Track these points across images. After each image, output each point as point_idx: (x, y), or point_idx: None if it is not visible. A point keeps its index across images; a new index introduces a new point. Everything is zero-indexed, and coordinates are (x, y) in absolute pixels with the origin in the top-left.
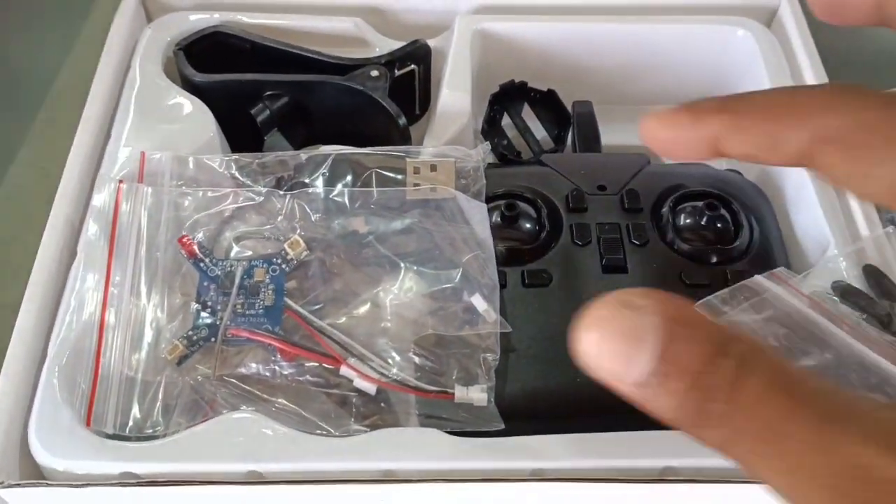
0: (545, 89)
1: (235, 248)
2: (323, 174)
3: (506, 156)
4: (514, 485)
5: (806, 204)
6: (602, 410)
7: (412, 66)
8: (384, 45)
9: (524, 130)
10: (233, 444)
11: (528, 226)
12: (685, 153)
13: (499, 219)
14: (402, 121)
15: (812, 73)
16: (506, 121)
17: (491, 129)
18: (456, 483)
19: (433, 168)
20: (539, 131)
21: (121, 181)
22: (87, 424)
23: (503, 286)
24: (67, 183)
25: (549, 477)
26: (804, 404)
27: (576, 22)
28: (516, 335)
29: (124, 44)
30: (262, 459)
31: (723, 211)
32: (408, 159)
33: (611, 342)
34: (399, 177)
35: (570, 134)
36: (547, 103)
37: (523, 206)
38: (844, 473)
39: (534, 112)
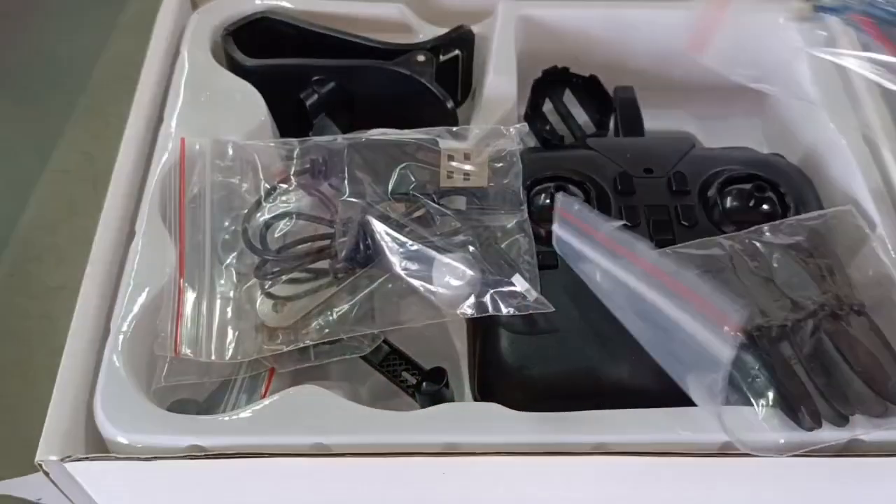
0: (587, 75)
1: None
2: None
3: (549, 140)
4: (576, 458)
5: (852, 187)
6: (648, 392)
7: (456, 51)
8: (427, 31)
9: (566, 116)
10: (298, 418)
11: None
12: None
13: (549, 201)
14: (451, 104)
15: (854, 58)
16: (548, 106)
17: (534, 114)
18: (517, 456)
19: (467, 156)
20: (581, 116)
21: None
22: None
23: (555, 266)
24: (122, 165)
25: (611, 451)
26: None
27: (617, 8)
28: (567, 315)
29: (171, 30)
30: (328, 432)
31: (769, 193)
32: (443, 148)
33: None
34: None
35: (612, 119)
36: (589, 89)
37: (572, 188)
38: None
39: (576, 98)
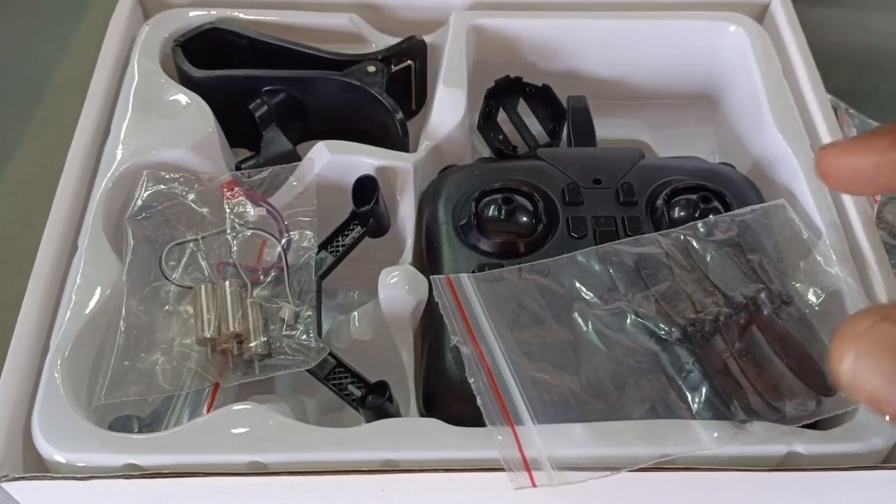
0: (540, 84)
1: None
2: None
3: (502, 150)
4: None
5: (798, 196)
6: (600, 401)
7: (408, 61)
8: (380, 41)
9: (519, 125)
10: (235, 436)
11: (524, 219)
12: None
13: (496, 212)
14: (400, 116)
15: (804, 69)
16: (501, 116)
17: (487, 123)
18: (455, 473)
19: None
20: (534, 126)
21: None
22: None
23: (501, 279)
24: (68, 179)
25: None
26: None
27: (570, 18)
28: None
29: (122, 41)
30: (264, 450)
31: (716, 203)
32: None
33: (869, 361)
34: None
35: (565, 129)
36: (542, 98)
37: (520, 199)
38: None
39: (529, 107)
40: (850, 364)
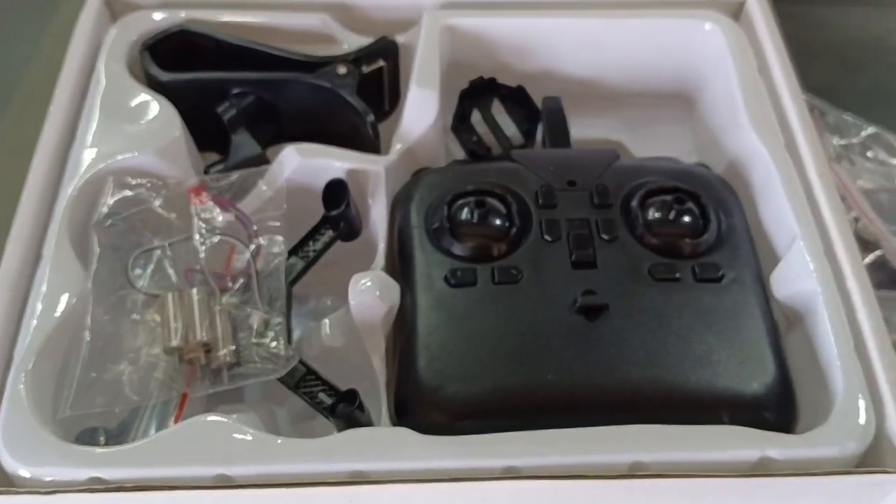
0: (514, 85)
1: None
2: None
3: (476, 152)
4: (485, 483)
5: (773, 196)
6: (573, 407)
7: (380, 62)
8: (352, 42)
9: (494, 126)
10: (201, 448)
11: (497, 222)
12: None
13: (469, 216)
14: (371, 118)
15: (779, 66)
16: (476, 117)
17: (461, 125)
18: (425, 483)
19: None
20: (509, 127)
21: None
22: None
23: (473, 283)
24: (32, 186)
25: (520, 475)
26: None
27: (545, 17)
28: (488, 332)
29: (89, 44)
30: (231, 463)
31: (690, 205)
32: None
33: None
34: None
35: (539, 130)
36: (516, 99)
37: (493, 202)
38: None
39: (504, 108)
40: None
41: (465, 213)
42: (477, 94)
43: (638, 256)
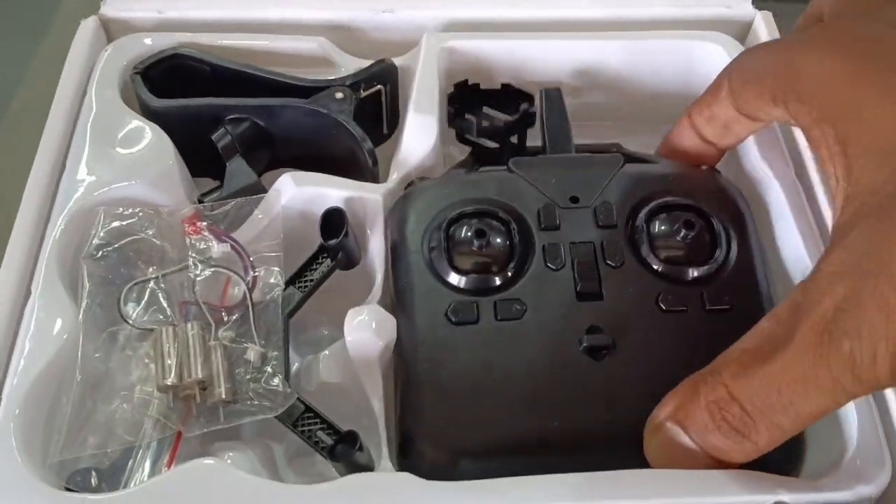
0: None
1: None
2: None
3: (478, 146)
4: None
5: (783, 224)
6: (579, 451)
7: (378, 85)
8: (350, 65)
9: (488, 127)
10: (196, 496)
11: (499, 252)
12: None
13: (469, 245)
14: (368, 145)
15: None
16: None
17: (457, 118)
18: None
19: None
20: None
21: None
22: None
23: (475, 322)
24: (23, 220)
25: None
26: (772, 350)
27: (546, 39)
28: (491, 373)
29: (82, 67)
30: None
31: (699, 225)
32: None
33: (671, 460)
34: None
35: (538, 118)
36: (504, 98)
37: (494, 229)
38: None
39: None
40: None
41: (464, 242)
42: (465, 101)
43: (645, 284)
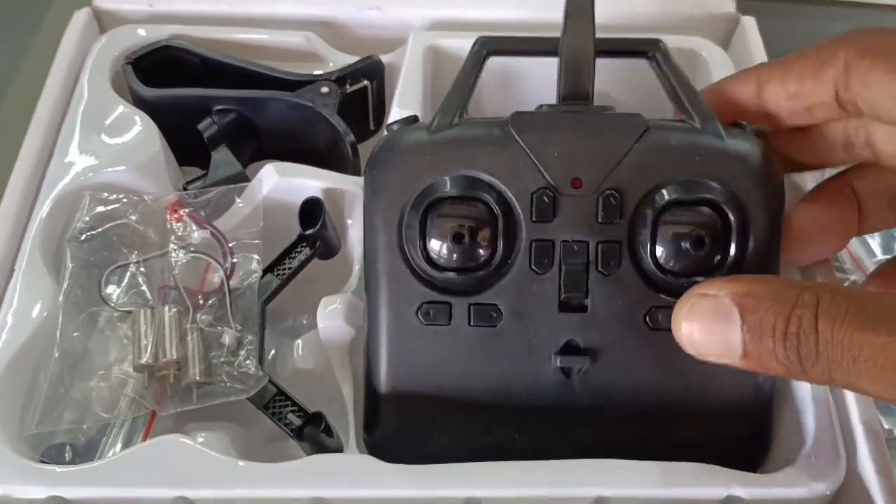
0: None
1: None
2: None
3: None
4: None
5: None
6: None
7: (365, 81)
8: (338, 60)
9: None
10: (162, 470)
11: (481, 245)
12: None
13: (447, 233)
14: (350, 138)
15: None
16: None
17: None
18: None
19: None
20: None
21: None
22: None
23: (447, 323)
24: (9, 202)
25: None
26: (868, 320)
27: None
28: (458, 378)
29: (74, 57)
30: (191, 486)
31: (714, 231)
32: None
33: (704, 332)
34: None
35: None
36: None
37: (478, 216)
38: None
39: None
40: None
41: (442, 235)
42: None
43: (637, 296)
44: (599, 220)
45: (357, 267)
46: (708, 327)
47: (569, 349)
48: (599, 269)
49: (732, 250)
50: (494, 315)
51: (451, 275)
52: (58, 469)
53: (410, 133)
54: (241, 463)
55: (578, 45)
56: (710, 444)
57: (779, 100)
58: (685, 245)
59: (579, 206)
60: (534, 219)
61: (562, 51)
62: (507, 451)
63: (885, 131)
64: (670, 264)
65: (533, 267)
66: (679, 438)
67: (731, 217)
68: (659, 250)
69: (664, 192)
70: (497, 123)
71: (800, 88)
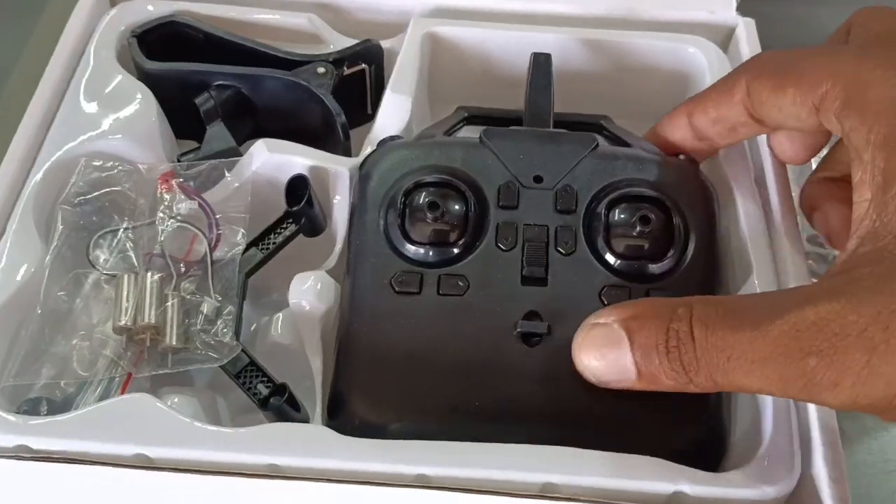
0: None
1: None
2: None
3: None
4: (393, 489)
5: (734, 228)
6: (500, 429)
7: (363, 65)
8: (339, 42)
9: None
10: (124, 427)
11: (452, 223)
12: None
13: (423, 209)
14: (342, 119)
15: None
16: None
17: None
18: (336, 483)
19: None
20: None
21: None
22: None
23: (417, 292)
24: (8, 165)
25: (430, 484)
26: (735, 318)
27: (531, 31)
28: (424, 345)
29: (83, 29)
30: (151, 444)
31: (658, 221)
32: None
33: (599, 360)
34: None
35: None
36: None
37: (451, 198)
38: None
39: None
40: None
41: (419, 212)
42: None
43: (592, 275)
44: (558, 209)
45: (338, 246)
46: (602, 354)
47: (530, 316)
48: (558, 248)
49: (674, 245)
50: (462, 285)
51: (425, 249)
52: (29, 420)
53: (399, 142)
54: (200, 426)
55: (538, 94)
56: (663, 432)
57: (706, 126)
58: (631, 231)
59: (540, 198)
60: (500, 204)
61: (527, 95)
62: (469, 415)
63: (785, 136)
64: (619, 247)
65: (498, 244)
66: (630, 417)
67: (668, 211)
68: (610, 234)
69: (613, 190)
70: (472, 138)
71: (718, 114)
